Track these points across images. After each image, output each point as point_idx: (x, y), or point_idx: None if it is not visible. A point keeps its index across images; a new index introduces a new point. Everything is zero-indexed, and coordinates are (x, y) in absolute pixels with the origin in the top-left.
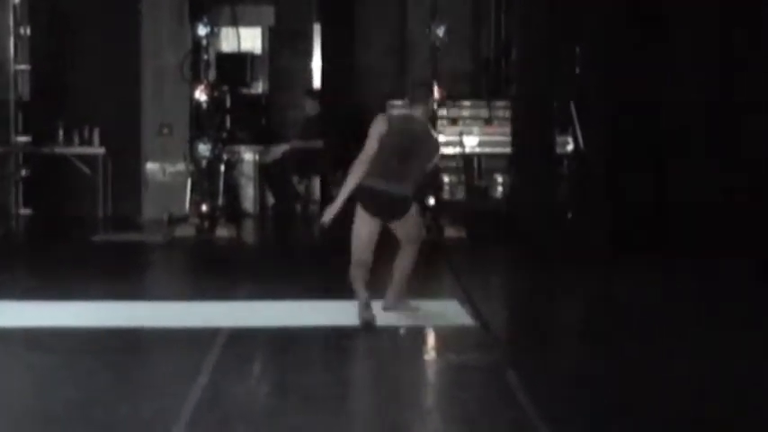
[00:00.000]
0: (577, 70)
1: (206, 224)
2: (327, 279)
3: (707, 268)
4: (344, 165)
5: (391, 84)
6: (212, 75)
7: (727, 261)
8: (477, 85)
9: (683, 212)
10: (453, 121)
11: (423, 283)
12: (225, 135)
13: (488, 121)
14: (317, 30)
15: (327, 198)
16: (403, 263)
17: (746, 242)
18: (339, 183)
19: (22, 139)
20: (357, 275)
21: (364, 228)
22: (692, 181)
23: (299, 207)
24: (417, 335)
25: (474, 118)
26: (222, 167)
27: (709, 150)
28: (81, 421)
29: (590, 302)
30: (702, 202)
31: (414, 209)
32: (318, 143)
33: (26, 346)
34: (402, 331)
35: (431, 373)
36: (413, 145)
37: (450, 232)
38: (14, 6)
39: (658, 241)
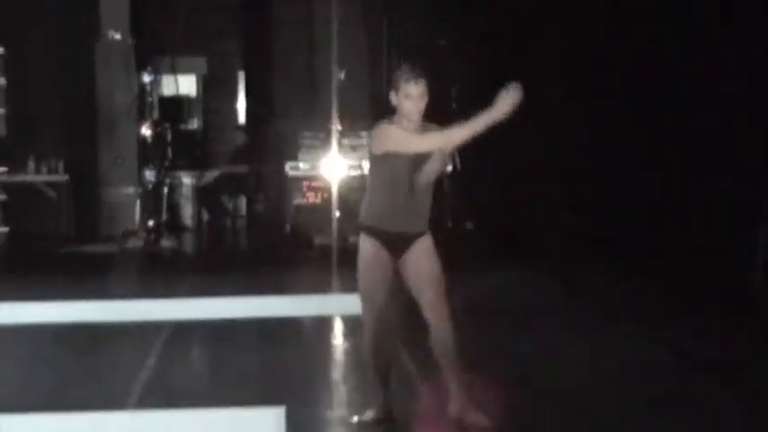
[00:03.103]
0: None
1: (152, 236)
2: (255, 279)
3: None
4: (265, 187)
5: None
6: (156, 114)
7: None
8: (374, 118)
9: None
10: (353, 149)
11: None
12: (167, 163)
13: None
14: (241, 76)
15: (252, 214)
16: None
17: None
18: (262, 201)
19: (0, 169)
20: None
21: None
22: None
23: (228, 221)
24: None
25: None
26: (165, 190)
27: None
28: (53, 400)
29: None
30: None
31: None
32: (244, 168)
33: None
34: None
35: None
36: None
37: None
38: None
39: None
